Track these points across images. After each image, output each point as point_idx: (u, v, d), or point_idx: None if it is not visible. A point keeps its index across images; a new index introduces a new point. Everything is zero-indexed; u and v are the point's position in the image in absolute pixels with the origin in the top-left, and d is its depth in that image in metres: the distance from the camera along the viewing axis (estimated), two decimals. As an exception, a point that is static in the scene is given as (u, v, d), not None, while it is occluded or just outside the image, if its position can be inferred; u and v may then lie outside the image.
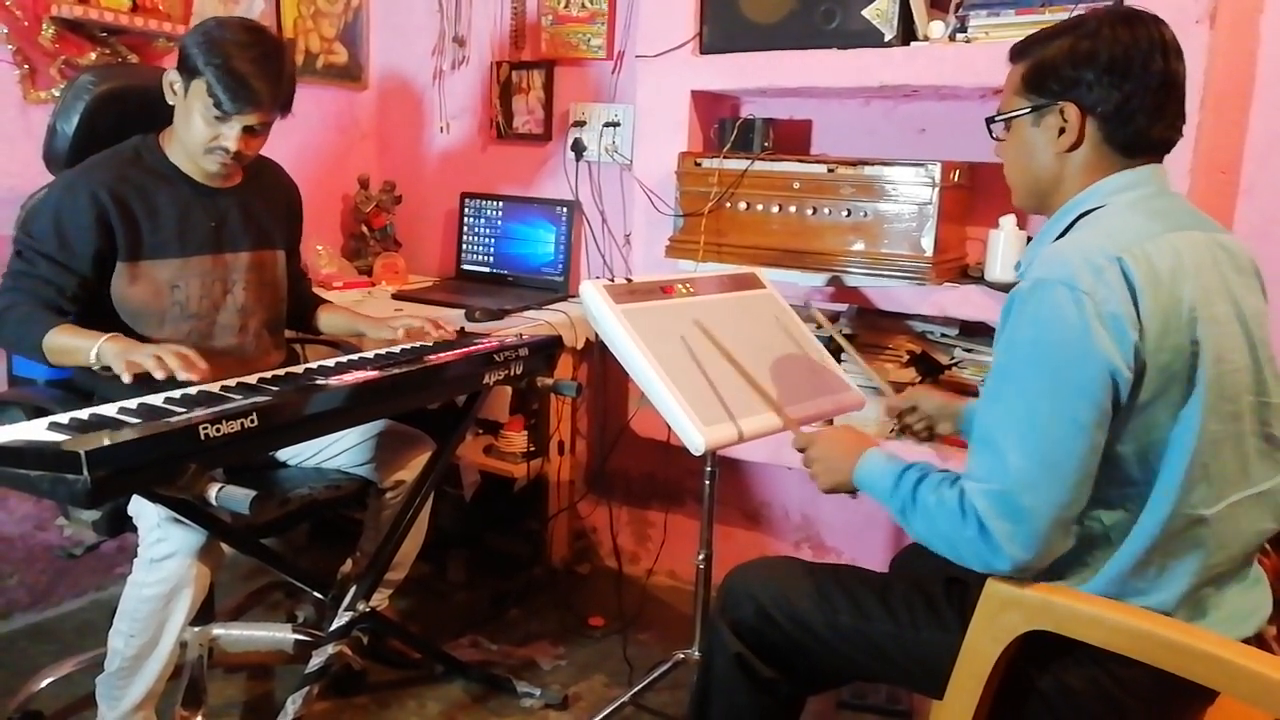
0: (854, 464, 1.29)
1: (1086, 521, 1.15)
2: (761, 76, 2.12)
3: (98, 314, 1.68)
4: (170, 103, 1.71)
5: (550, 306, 2.50)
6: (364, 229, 2.89)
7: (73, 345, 1.56)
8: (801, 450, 1.40)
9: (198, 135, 1.68)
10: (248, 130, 1.68)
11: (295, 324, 2.05)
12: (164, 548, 1.61)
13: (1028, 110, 1.24)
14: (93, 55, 2.23)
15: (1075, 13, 1.49)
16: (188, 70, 1.65)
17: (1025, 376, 1.10)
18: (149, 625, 1.62)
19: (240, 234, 1.83)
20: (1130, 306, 1.07)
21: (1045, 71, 1.21)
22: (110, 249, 1.69)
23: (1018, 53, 1.27)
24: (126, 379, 1.46)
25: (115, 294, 1.71)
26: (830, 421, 1.82)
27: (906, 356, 2.07)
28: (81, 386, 1.75)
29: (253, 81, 1.63)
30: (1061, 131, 1.21)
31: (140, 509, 1.63)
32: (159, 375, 1.46)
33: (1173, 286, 1.10)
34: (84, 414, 1.34)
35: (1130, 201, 1.19)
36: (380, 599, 1.98)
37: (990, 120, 1.30)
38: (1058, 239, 1.20)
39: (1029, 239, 1.89)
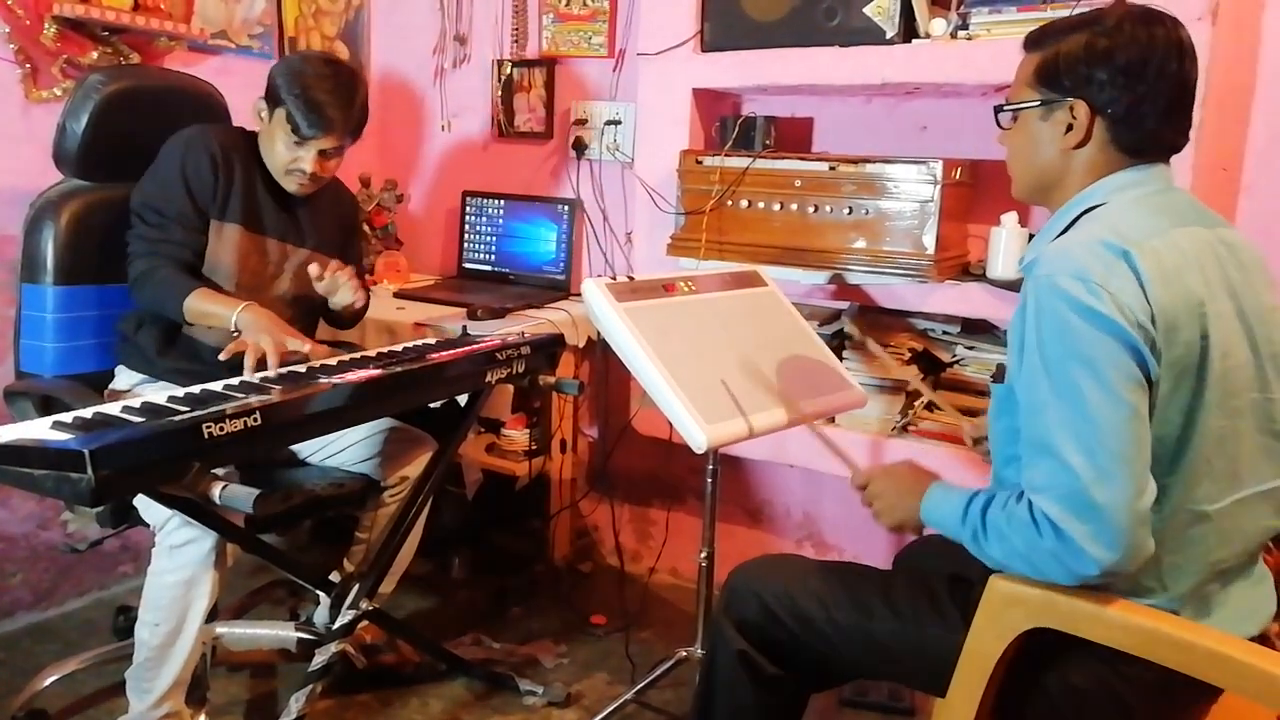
0: (918, 500, 1.25)
1: None
2: (763, 74, 2.12)
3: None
4: (256, 127, 1.89)
5: (552, 305, 2.50)
6: (366, 227, 2.88)
7: (213, 310, 1.74)
8: (861, 488, 1.36)
9: (279, 157, 1.85)
10: (323, 154, 1.84)
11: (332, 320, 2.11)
12: (183, 535, 1.63)
13: (1037, 104, 1.22)
14: (94, 54, 2.23)
15: (1079, 9, 1.49)
16: (272, 99, 1.83)
17: (1063, 374, 1.07)
18: (172, 613, 1.64)
19: (304, 232, 1.97)
20: (1142, 300, 1.07)
21: (1059, 66, 1.19)
22: (214, 200, 1.84)
23: (1033, 42, 1.24)
24: (223, 355, 1.63)
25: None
26: (826, 415, 1.82)
27: (908, 354, 2.07)
28: (200, 355, 1.85)
29: (328, 110, 1.79)
30: (1069, 128, 1.20)
31: (150, 500, 1.64)
32: (248, 371, 1.59)
33: (1181, 281, 1.09)
34: (87, 413, 1.34)
35: (1134, 199, 1.18)
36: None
37: (998, 109, 1.29)
38: (1060, 235, 1.20)
39: (1030, 236, 1.89)
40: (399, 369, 1.63)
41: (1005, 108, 1.27)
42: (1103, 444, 1.04)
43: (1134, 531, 1.03)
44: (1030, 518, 1.07)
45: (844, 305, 2.19)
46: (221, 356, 1.63)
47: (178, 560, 1.63)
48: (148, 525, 1.68)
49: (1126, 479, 1.03)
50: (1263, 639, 1.21)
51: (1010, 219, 1.90)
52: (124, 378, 1.89)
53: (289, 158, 1.83)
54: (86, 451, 1.15)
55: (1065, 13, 1.55)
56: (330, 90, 1.79)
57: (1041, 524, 1.06)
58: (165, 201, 1.80)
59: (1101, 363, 1.05)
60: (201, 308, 1.74)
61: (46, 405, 1.67)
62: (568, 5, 2.63)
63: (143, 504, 1.67)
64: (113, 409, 1.36)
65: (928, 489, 1.25)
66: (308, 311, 2.01)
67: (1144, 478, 1.05)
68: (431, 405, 1.95)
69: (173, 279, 1.77)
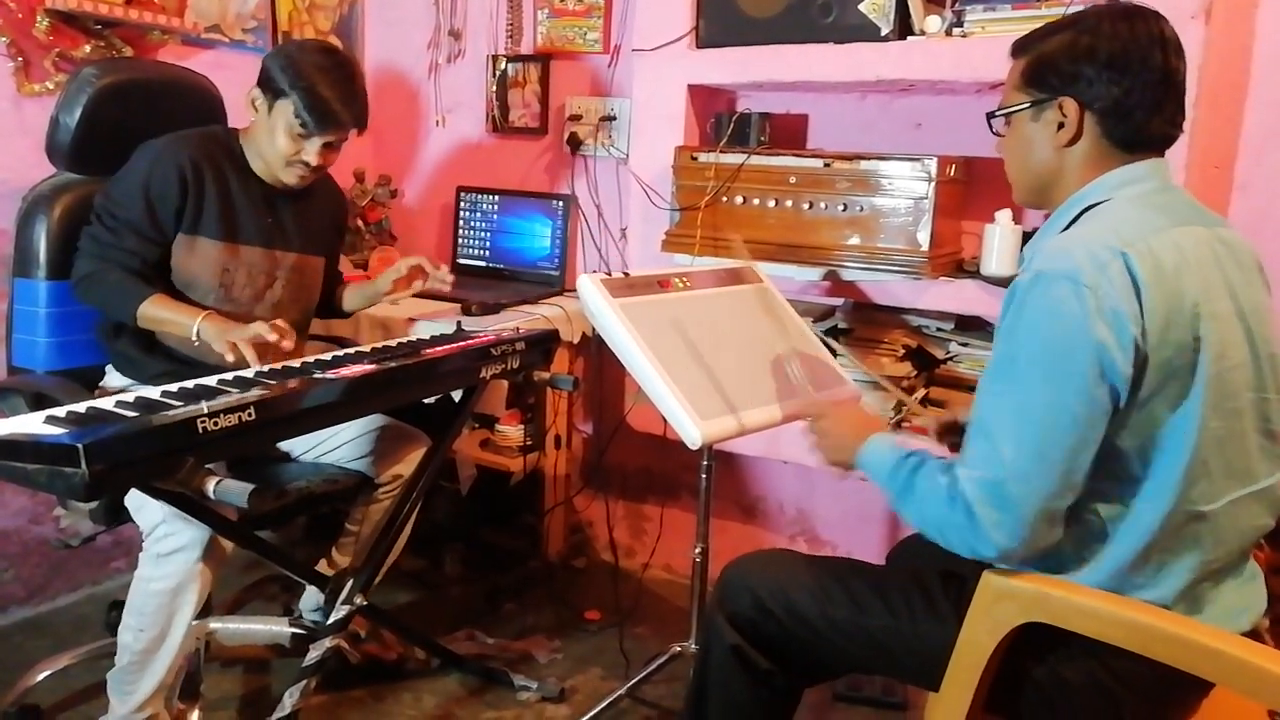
0: (860, 444, 1.30)
1: (1085, 515, 1.15)
2: (758, 71, 2.12)
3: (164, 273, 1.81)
4: (251, 117, 1.84)
5: (547, 301, 2.50)
6: (359, 223, 2.88)
7: (171, 318, 1.73)
8: (814, 421, 1.40)
9: (281, 149, 1.80)
10: (328, 145, 1.82)
11: (325, 312, 2.13)
12: (170, 543, 1.61)
13: (1027, 105, 1.24)
14: (87, 48, 2.22)
15: (1074, 8, 1.50)
16: (272, 90, 1.78)
17: (1023, 367, 1.11)
18: (157, 620, 1.64)
19: (291, 236, 1.93)
20: (1133, 303, 1.08)
21: (1045, 66, 1.22)
22: (182, 216, 1.79)
23: (1019, 48, 1.27)
24: (230, 359, 1.63)
25: (173, 260, 1.81)
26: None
27: (902, 351, 2.07)
28: (181, 355, 1.83)
29: (336, 105, 1.77)
30: (1060, 126, 1.22)
31: (142, 503, 1.63)
32: (255, 364, 1.61)
33: (1176, 282, 1.10)
34: (81, 407, 1.34)
35: (1134, 196, 1.19)
36: None
37: (991, 115, 1.31)
38: (1062, 232, 1.21)
39: (1025, 234, 1.90)
40: (393, 364, 1.63)
41: (997, 113, 1.30)
42: (1036, 443, 1.08)
43: (1036, 527, 1.09)
44: (949, 492, 1.13)
45: (838, 302, 2.19)
46: (231, 358, 1.63)
47: (164, 569, 1.62)
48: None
49: (1046, 481, 1.08)
50: (1253, 636, 1.22)
51: (1004, 216, 1.91)
52: (114, 378, 1.88)
53: (292, 150, 1.79)
54: (80, 446, 1.15)
55: (1060, 10, 1.56)
56: (334, 83, 1.76)
57: (957, 500, 1.12)
58: (123, 209, 1.76)
59: (1060, 365, 1.08)
60: (158, 314, 1.72)
61: (39, 402, 1.66)
62: (563, 1, 2.62)
63: (133, 506, 1.66)
64: (106, 404, 1.36)
65: (869, 437, 1.29)
66: (305, 314, 2.01)
67: (1065, 481, 1.09)
68: (426, 401, 1.95)
69: (126, 283, 1.74)
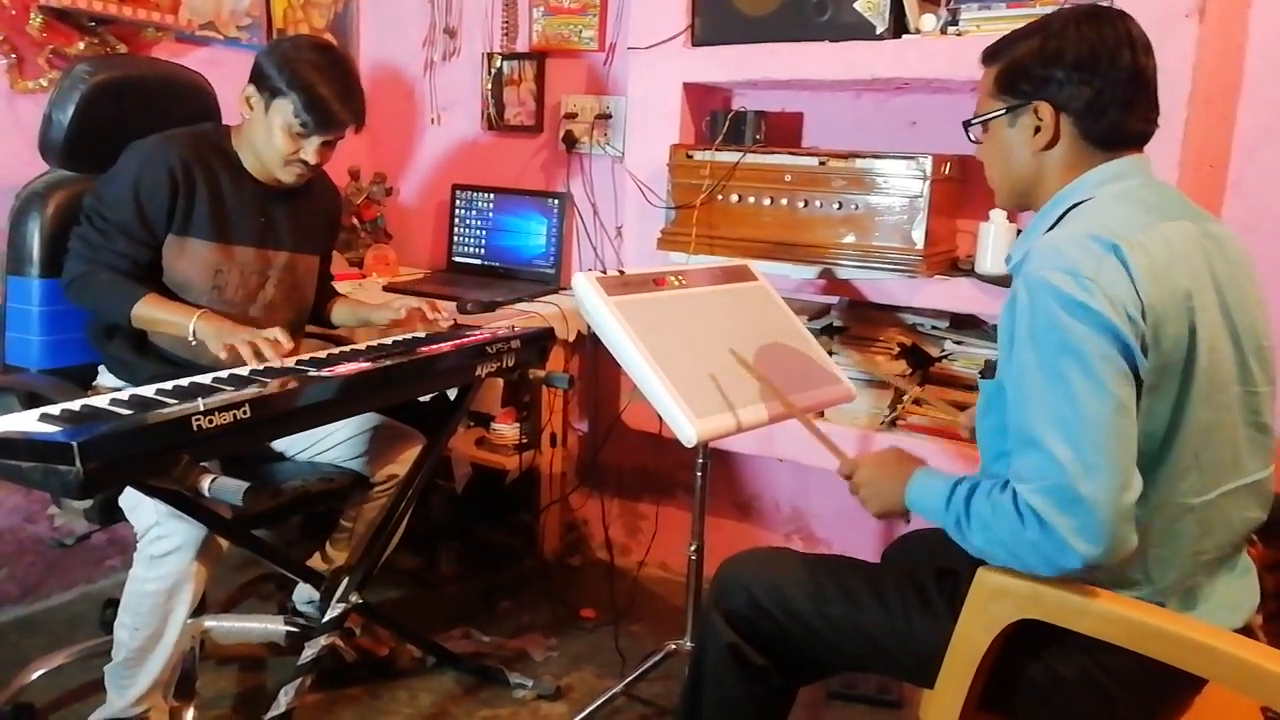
0: (904, 486, 1.25)
1: None
2: (753, 69, 2.12)
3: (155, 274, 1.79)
4: (245, 115, 1.81)
5: (542, 299, 2.50)
6: (354, 221, 2.88)
7: (166, 318, 1.71)
8: (847, 476, 1.36)
9: (278, 148, 1.78)
10: (325, 144, 1.80)
11: (312, 319, 2.11)
12: (164, 545, 1.61)
13: (1002, 112, 1.25)
14: (81, 45, 2.21)
15: (1051, 9, 1.50)
16: (268, 89, 1.75)
17: (1052, 367, 1.07)
18: (152, 619, 1.64)
19: (284, 234, 1.91)
20: (1133, 295, 1.07)
21: (1016, 72, 1.23)
22: (173, 217, 1.77)
23: (990, 55, 1.28)
24: (225, 358, 1.61)
25: (164, 261, 1.79)
26: (819, 408, 1.82)
27: (897, 349, 2.08)
28: (173, 357, 1.82)
29: (335, 104, 1.75)
30: (1037, 130, 1.23)
31: (136, 503, 1.63)
32: (252, 364, 1.60)
33: (1168, 276, 1.10)
34: (75, 405, 1.34)
35: (1118, 193, 1.20)
36: None
37: (968, 123, 1.32)
38: (1047, 232, 1.21)
39: (1019, 232, 1.90)
40: (388, 362, 1.62)
41: (974, 121, 1.30)
42: (1088, 437, 1.04)
43: (1117, 526, 1.04)
44: (1015, 508, 1.07)
45: (834, 300, 2.20)
46: (225, 357, 1.61)
47: (158, 570, 1.62)
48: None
49: (1111, 473, 1.03)
50: (1246, 631, 1.23)
51: (999, 214, 1.91)
52: (107, 379, 1.87)
53: (290, 149, 1.77)
54: (74, 444, 1.14)
55: (1052, 8, 1.57)
56: (332, 82, 1.74)
57: (1026, 515, 1.06)
58: (113, 211, 1.73)
59: (1091, 357, 1.05)
60: (153, 314, 1.71)
61: (32, 401, 1.66)
62: (558, -2, 2.63)
63: (127, 507, 1.66)
64: (100, 401, 1.36)
65: (911, 475, 1.26)
66: (298, 314, 1.99)
67: (1129, 472, 1.05)
68: (421, 399, 1.95)
69: (118, 284, 1.72)
